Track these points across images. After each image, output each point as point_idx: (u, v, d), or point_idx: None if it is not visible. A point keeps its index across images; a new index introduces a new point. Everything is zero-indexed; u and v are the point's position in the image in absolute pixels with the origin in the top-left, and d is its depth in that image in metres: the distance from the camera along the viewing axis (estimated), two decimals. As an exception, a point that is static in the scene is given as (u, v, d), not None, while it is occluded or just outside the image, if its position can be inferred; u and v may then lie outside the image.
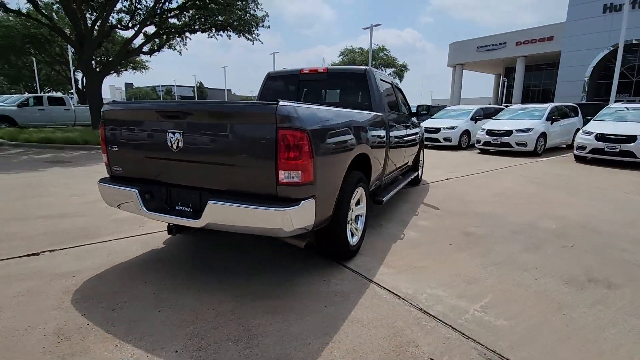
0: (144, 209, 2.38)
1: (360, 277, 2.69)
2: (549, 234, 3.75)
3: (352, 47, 40.77)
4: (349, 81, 3.94)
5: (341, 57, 40.73)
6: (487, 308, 2.31)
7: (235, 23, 14.75)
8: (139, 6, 14.22)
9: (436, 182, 6.43)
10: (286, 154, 1.99)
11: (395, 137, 4.12)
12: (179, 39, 18.20)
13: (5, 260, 2.85)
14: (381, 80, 4.19)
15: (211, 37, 17.75)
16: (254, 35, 15.49)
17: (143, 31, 15.17)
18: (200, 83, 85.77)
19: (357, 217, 3.16)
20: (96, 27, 13.62)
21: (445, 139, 12.15)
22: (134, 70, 32.53)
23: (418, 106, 5.39)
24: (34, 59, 26.40)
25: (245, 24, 15.00)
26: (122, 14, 14.91)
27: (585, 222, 4.11)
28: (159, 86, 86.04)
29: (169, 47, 19.13)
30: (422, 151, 6.20)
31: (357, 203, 3.00)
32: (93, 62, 14.57)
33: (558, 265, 2.99)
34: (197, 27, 15.24)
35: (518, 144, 10.21)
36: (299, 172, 2.05)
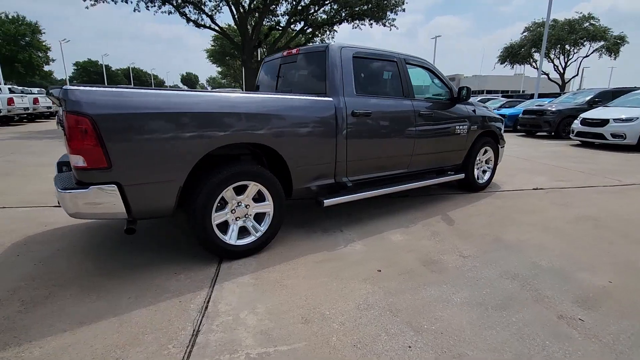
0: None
1: (209, 279, 2.45)
2: None
3: (542, 19, 33.23)
4: (312, 62, 3.42)
5: (525, 33, 33.96)
6: (270, 356, 1.72)
7: (371, 9, 14.59)
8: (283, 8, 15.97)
9: (512, 192, 4.80)
10: (72, 139, 2.03)
11: (376, 127, 3.36)
12: (329, 33, 19.49)
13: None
14: (369, 58, 3.46)
15: (355, 27, 18.22)
16: (390, 21, 14.92)
17: (291, 28, 17.04)
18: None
19: (258, 215, 2.85)
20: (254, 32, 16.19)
21: (614, 136, 8.72)
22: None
23: (459, 88, 4.12)
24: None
25: (380, 9, 14.62)
26: (277, 17, 17.06)
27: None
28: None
29: (322, 41, 20.70)
30: (488, 148, 4.75)
31: (228, 202, 2.69)
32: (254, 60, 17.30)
33: None
34: (336, 19, 15.91)
35: (614, 135, 8.76)
36: (82, 157, 2.05)
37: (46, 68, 37.89)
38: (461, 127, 4.25)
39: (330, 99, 3.09)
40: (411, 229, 3.44)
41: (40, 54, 35.98)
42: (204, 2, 16.91)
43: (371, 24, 16.05)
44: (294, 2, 15.72)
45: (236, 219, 2.74)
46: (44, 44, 35.48)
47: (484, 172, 4.94)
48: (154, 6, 15.70)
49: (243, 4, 16.25)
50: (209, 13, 15.93)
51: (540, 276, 2.55)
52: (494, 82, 53.91)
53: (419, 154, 3.85)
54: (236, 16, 15.64)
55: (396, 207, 4.10)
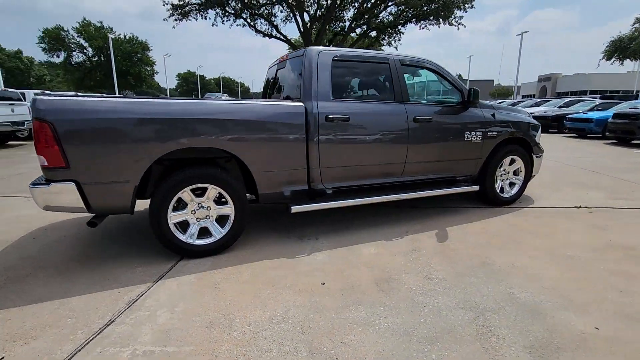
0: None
1: (159, 274, 2.60)
2: None
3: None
4: (295, 67, 3.38)
5: (637, 24, 28.64)
6: None
7: (436, 9, 13.79)
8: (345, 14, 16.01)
9: (544, 209, 4.11)
10: (36, 141, 2.36)
11: (356, 133, 3.20)
12: (395, 36, 19.01)
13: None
14: (354, 62, 3.33)
15: (423, 28, 17.47)
16: (457, 19, 13.87)
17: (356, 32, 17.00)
18: (459, 75, 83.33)
19: (222, 217, 2.93)
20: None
21: None
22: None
23: (468, 90, 3.68)
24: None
25: (446, 8, 13.71)
26: (343, 23, 17.23)
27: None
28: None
29: (388, 44, 20.29)
30: (516, 158, 4.15)
31: (178, 206, 2.80)
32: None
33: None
34: (400, 21, 15.41)
35: None
36: (44, 157, 2.36)
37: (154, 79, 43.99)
38: (474, 133, 3.79)
39: (301, 104, 3.04)
40: (392, 243, 3.19)
41: (148, 68, 41.88)
42: (275, 14, 17.94)
43: (438, 24, 15.16)
44: (358, 7, 15.69)
45: (197, 219, 2.86)
46: (150, 58, 41.23)
47: (512, 184, 4.32)
48: (229, 20, 17.14)
49: (309, 12, 16.80)
50: (275, 23, 16.82)
51: (507, 310, 2.15)
52: (600, 81, 46.28)
53: (415, 162, 3.55)
54: (301, 25, 16.23)
55: (394, 218, 3.84)
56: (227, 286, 2.45)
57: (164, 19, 16.77)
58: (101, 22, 38.19)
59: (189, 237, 2.82)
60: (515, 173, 4.31)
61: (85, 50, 38.08)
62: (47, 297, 2.29)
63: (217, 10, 16.29)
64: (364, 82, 3.51)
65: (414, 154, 3.52)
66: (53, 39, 36.43)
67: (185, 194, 2.75)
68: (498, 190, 4.19)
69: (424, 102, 3.67)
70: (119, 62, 37.31)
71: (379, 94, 3.47)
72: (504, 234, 3.39)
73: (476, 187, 3.97)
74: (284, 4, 16.84)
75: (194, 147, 2.69)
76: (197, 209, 2.85)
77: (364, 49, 3.44)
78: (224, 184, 2.82)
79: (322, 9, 16.30)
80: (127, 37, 39.14)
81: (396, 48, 20.45)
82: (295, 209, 3.09)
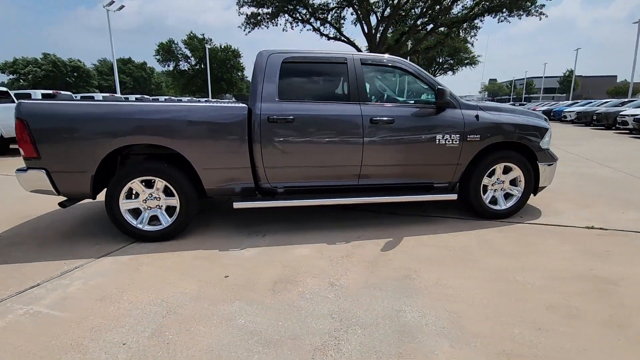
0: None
1: (106, 252, 3.00)
2: None
3: None
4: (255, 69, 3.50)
5: None
6: None
7: (508, 1, 12.31)
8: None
9: (541, 226, 3.51)
10: (17, 136, 2.95)
11: (300, 134, 3.21)
12: (470, 30, 17.61)
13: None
14: (306, 63, 3.35)
15: (502, 21, 15.87)
16: (536, 9, 12.13)
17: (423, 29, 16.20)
18: (571, 71, 72.37)
19: (169, 207, 3.24)
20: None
21: None
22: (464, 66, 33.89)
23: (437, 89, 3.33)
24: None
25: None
26: (411, 20, 16.65)
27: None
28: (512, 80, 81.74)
29: (464, 41, 18.86)
30: (513, 166, 3.63)
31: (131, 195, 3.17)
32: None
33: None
34: (471, 14, 14.14)
35: None
36: (22, 148, 2.93)
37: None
38: (448, 136, 3.43)
39: (245, 106, 3.18)
40: (332, 247, 3.11)
41: (239, 73, 46.13)
42: (344, 17, 18.17)
43: (516, 15, 13.47)
44: (425, 3, 14.94)
45: (148, 207, 3.22)
46: (241, 64, 45.36)
47: (508, 196, 3.77)
48: (297, 25, 17.95)
49: (377, 14, 16.61)
50: (339, 27, 17.05)
51: (377, 327, 1.99)
52: None
53: (373, 165, 3.39)
54: (365, 27, 16.18)
55: (358, 222, 3.70)
56: (147, 269, 2.73)
57: (238, 27, 18.33)
58: (203, 35, 43.28)
59: (140, 223, 3.19)
60: (513, 183, 3.76)
61: (189, 60, 43.66)
62: (15, 261, 2.86)
63: (287, 17, 17.22)
64: (317, 83, 3.47)
65: (371, 157, 3.36)
66: (165, 51, 42.62)
67: (135, 184, 3.12)
68: (487, 201, 3.70)
69: (383, 103, 3.45)
70: (215, 69, 41.82)
71: (332, 95, 3.40)
72: (466, 250, 3.02)
73: (454, 196, 3.58)
74: (352, 7, 16.96)
75: (140, 144, 3.04)
76: (149, 199, 3.20)
77: (324, 51, 3.40)
78: (169, 177, 3.12)
79: (389, 7, 15.94)
80: (223, 47, 43.64)
81: (472, 44, 18.91)
82: (237, 205, 3.24)
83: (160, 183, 3.15)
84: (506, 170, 3.69)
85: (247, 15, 17.10)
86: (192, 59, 43.31)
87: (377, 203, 3.63)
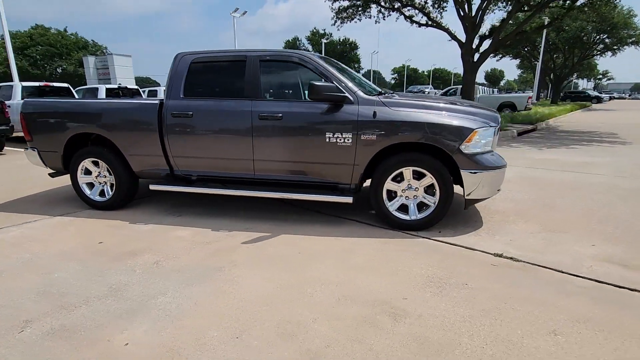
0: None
1: (58, 215, 3.98)
2: None
3: None
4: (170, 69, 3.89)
5: None
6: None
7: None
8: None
9: (435, 243, 2.95)
10: (21, 125, 4.15)
11: (198, 128, 3.53)
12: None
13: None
14: (211, 62, 3.62)
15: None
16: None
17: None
18: None
19: (112, 184, 4.03)
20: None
21: None
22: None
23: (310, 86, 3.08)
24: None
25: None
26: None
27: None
28: None
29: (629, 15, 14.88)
30: (424, 172, 3.14)
31: (87, 172, 4.02)
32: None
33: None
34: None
35: None
36: (24, 133, 4.12)
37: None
38: (339, 134, 3.20)
39: (157, 101, 3.67)
40: (210, 233, 3.37)
41: (356, 65, 46.99)
42: (440, 3, 16.64)
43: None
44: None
45: (99, 183, 4.08)
46: (357, 55, 46.08)
47: (423, 206, 3.25)
48: (389, 15, 17.33)
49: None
50: (427, 11, 15.67)
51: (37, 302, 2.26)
52: None
53: (264, 160, 3.46)
54: (461, 11, 14.53)
55: (267, 215, 3.81)
56: (71, 228, 3.54)
57: (331, 25, 18.77)
58: (324, 30, 45.57)
59: (92, 195, 4.09)
60: (429, 192, 3.22)
61: (309, 55, 46.72)
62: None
63: (375, 7, 16.78)
64: (219, 80, 3.66)
65: (261, 152, 3.43)
66: (290, 47, 46.61)
67: (87, 162, 4.00)
68: (394, 209, 3.29)
69: (283, 99, 3.41)
70: (332, 62, 43.63)
71: (230, 92, 3.56)
72: (312, 255, 2.87)
73: (349, 199, 3.32)
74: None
75: (86, 133, 3.89)
76: (99, 176, 4.06)
77: (231, 50, 3.59)
78: (106, 160, 3.89)
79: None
80: (342, 40, 45.09)
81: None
82: (152, 187, 3.81)
83: (102, 164, 3.96)
84: (420, 176, 3.20)
85: (338, 9, 17.41)
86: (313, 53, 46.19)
87: (300, 200, 3.62)
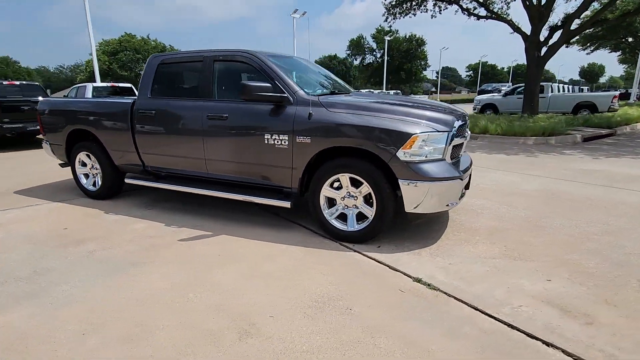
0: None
1: (49, 201, 4.47)
2: None
3: None
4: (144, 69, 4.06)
5: None
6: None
7: None
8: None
9: (367, 260, 2.65)
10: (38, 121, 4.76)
11: (158, 126, 3.70)
12: None
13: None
14: (176, 63, 3.75)
15: None
16: None
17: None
18: None
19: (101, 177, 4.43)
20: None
21: None
22: None
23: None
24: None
25: None
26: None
27: None
28: None
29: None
30: (361, 180, 2.87)
31: (83, 164, 4.43)
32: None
33: None
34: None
35: None
36: (39, 128, 4.71)
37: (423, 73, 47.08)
38: (277, 136, 3.07)
39: (131, 100, 3.92)
40: (160, 227, 3.51)
41: (422, 63, 45.00)
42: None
43: None
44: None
45: (92, 175, 4.50)
46: (424, 52, 43.99)
47: (362, 217, 2.96)
48: (446, 9, 16.20)
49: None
50: (487, 4, 14.20)
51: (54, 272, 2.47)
52: None
53: (214, 159, 3.48)
54: (526, 1, 12.98)
55: (223, 214, 3.83)
56: (53, 213, 3.98)
57: (384, 21, 18.10)
58: (390, 27, 44.24)
59: (86, 184, 4.53)
60: (369, 202, 2.93)
61: (374, 52, 45.88)
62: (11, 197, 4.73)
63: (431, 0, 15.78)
64: (180, 80, 3.73)
65: (211, 152, 3.46)
66: (355, 46, 46.33)
67: (82, 155, 4.44)
68: (333, 218, 3.07)
69: (225, 99, 3.37)
70: (396, 59, 42.36)
71: (188, 92, 3.63)
72: (200, 258, 2.80)
73: (287, 203, 3.17)
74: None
75: (79, 129, 4.31)
76: (92, 169, 4.48)
77: (196, 50, 3.65)
78: (94, 154, 4.28)
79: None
80: (408, 36, 43.44)
81: None
82: (127, 180, 4.09)
83: (93, 157, 4.36)
84: (357, 184, 2.93)
85: (390, 4, 16.72)
86: (377, 51, 45.29)
87: (246, 202, 3.58)
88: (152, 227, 3.52)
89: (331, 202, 3.11)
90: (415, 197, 2.73)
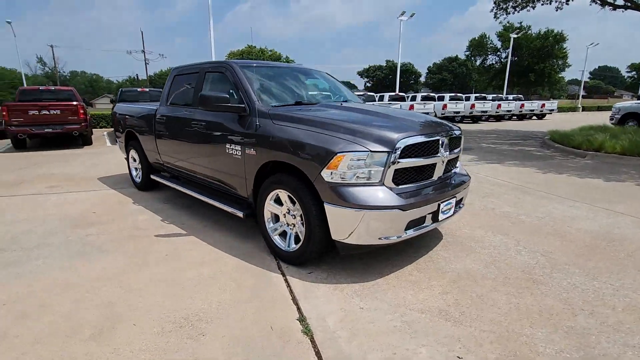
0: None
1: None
2: None
3: None
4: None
5: None
6: None
7: None
8: None
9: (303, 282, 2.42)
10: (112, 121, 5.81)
11: (168, 130, 4.13)
12: None
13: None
14: (185, 74, 4.12)
15: None
16: None
17: None
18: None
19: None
20: None
21: None
22: None
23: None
24: None
25: None
26: None
27: None
28: None
29: None
30: (293, 198, 2.69)
31: (134, 159, 5.23)
32: None
33: None
34: None
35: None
36: (114, 128, 5.75)
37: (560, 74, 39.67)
38: (234, 146, 3.08)
39: (155, 107, 4.47)
40: (157, 222, 3.91)
41: (559, 62, 38.17)
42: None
43: None
44: None
45: (137, 169, 5.30)
46: (564, 50, 37.15)
47: (301, 235, 2.73)
48: (562, 8, 13.51)
49: None
50: None
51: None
52: None
53: (199, 165, 3.72)
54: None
55: (206, 218, 4.03)
56: (93, 198, 4.83)
57: (493, 17, 15.95)
58: (520, 23, 38.87)
59: (135, 177, 5.35)
60: (303, 220, 2.68)
61: (498, 53, 40.97)
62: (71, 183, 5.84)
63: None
64: (185, 90, 4.01)
65: (197, 158, 3.71)
66: (475, 46, 42.26)
67: (132, 152, 5.26)
68: (276, 234, 2.92)
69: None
70: (525, 59, 37.02)
71: (189, 100, 3.90)
72: (172, 256, 2.95)
73: (240, 213, 3.15)
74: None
75: (130, 130, 5.12)
76: (136, 164, 5.27)
77: (197, 62, 3.91)
78: (137, 151, 5.03)
79: None
80: (542, 33, 37.37)
81: None
82: (152, 177, 4.69)
83: (136, 154, 5.14)
84: (293, 201, 2.72)
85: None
86: (502, 51, 40.24)
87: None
88: (150, 220, 3.95)
89: (277, 218, 2.97)
90: (343, 225, 2.39)
